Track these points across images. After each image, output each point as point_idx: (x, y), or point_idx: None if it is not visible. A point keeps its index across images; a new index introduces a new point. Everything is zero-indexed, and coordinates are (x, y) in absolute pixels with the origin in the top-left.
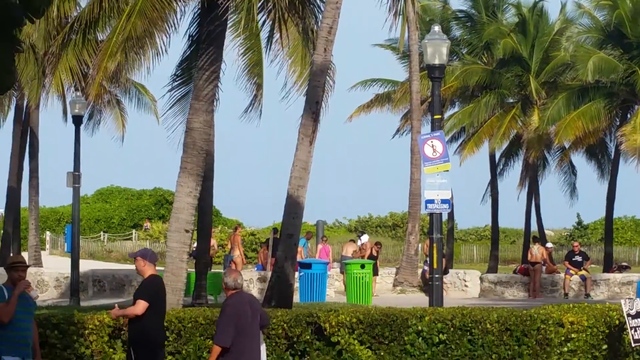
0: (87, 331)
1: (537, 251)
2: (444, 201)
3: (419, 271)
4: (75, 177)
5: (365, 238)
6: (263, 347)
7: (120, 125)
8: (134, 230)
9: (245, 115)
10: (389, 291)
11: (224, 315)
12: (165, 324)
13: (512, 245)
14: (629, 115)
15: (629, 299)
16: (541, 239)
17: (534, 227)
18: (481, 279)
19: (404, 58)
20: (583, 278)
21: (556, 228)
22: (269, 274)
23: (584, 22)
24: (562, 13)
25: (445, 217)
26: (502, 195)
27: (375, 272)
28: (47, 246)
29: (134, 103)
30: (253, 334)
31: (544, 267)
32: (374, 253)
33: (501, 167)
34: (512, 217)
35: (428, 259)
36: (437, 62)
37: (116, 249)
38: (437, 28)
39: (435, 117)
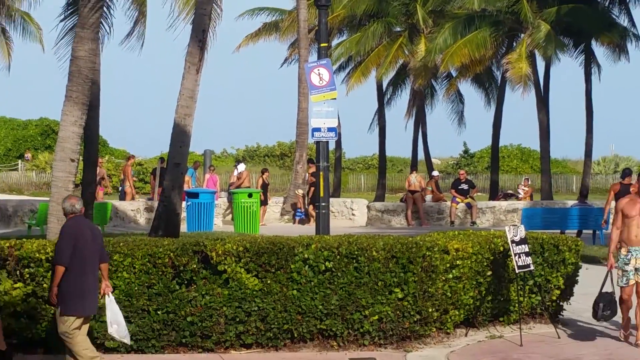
0: None
1: (414, 180)
2: (330, 129)
3: (306, 200)
4: None
5: (241, 167)
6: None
7: (6, 54)
8: (19, 161)
9: (126, 42)
10: (277, 220)
11: (61, 237)
12: (51, 252)
13: (399, 174)
14: (514, 44)
15: (513, 225)
16: (428, 167)
17: (421, 155)
18: (368, 207)
19: None
20: (469, 206)
21: (443, 156)
22: (157, 203)
23: None
24: None
25: (332, 146)
26: (389, 124)
27: (265, 201)
28: None
29: (19, 32)
30: (93, 258)
31: (429, 197)
32: (266, 181)
33: (389, 96)
34: (400, 145)
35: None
36: None
37: (1, 180)
38: None
39: (322, 45)
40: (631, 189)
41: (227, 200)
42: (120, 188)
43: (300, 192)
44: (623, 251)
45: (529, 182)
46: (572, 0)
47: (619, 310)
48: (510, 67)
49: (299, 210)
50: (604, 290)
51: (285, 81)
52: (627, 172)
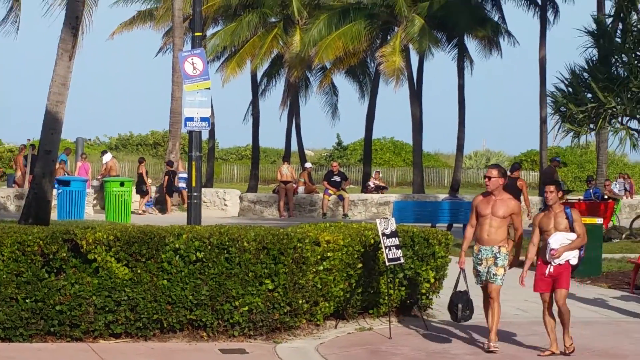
0: None
1: (286, 170)
2: (203, 119)
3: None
4: None
5: (107, 157)
6: None
7: None
8: None
9: (1, 27)
10: (150, 209)
11: None
12: None
13: (272, 165)
14: (389, 37)
15: (384, 218)
16: (301, 159)
17: (294, 147)
18: (241, 198)
19: None
20: (341, 198)
21: (317, 148)
22: (27, 190)
23: None
24: None
25: (206, 136)
26: (264, 115)
27: (147, 192)
28: None
29: None
30: None
31: (302, 188)
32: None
33: (263, 86)
34: (274, 136)
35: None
36: None
37: None
38: None
39: (196, 34)
40: (486, 182)
41: (97, 189)
42: (9, 177)
43: (149, 181)
44: (475, 248)
45: (380, 175)
46: None
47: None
48: (384, 60)
49: (151, 199)
50: (458, 289)
51: (160, 70)
52: (515, 167)
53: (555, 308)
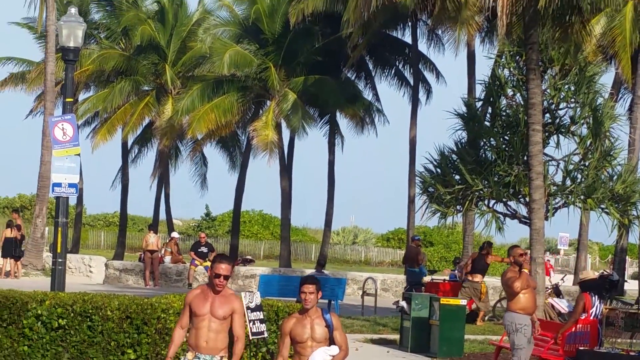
0: None
1: (153, 239)
2: (71, 185)
3: (44, 255)
4: None
5: None
6: None
7: None
8: None
9: None
10: (14, 274)
11: None
12: None
13: (140, 233)
14: (261, 111)
15: (249, 292)
16: (168, 228)
17: (163, 216)
18: (106, 265)
19: (41, 38)
20: (207, 269)
21: (185, 218)
22: None
23: (223, 15)
24: (201, 4)
25: (74, 202)
26: (133, 183)
27: (21, 255)
28: None
29: None
30: None
31: (168, 258)
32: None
33: (134, 154)
34: (143, 205)
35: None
36: (72, 44)
37: None
38: (73, 10)
39: (68, 100)
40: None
41: None
42: None
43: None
44: (189, 356)
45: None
46: (320, 72)
47: None
48: (256, 134)
49: None
50: None
51: (29, 132)
52: (482, 246)
53: None
